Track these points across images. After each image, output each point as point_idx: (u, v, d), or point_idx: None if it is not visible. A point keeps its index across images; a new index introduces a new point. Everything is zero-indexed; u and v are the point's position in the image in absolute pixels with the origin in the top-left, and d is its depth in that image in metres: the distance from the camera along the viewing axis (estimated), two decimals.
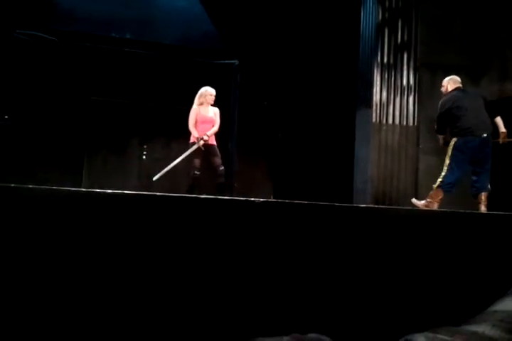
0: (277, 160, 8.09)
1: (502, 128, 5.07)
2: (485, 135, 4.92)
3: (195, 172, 5.87)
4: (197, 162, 5.88)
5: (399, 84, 6.60)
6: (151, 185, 6.50)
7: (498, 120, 5.09)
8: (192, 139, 5.94)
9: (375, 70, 6.57)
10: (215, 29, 7.89)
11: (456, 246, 1.90)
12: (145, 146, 8.30)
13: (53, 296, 1.47)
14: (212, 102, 6.01)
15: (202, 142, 5.82)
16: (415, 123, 6.53)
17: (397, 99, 6.57)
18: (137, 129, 8.17)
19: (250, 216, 1.75)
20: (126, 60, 8.03)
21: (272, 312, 1.62)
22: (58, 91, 7.70)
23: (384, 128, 6.50)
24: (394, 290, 1.78)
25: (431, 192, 5.11)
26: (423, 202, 5.16)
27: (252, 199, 1.80)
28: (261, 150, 8.08)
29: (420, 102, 6.53)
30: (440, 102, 5.21)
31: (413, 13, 6.71)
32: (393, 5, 6.70)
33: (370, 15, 6.76)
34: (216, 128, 5.97)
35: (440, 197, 5.01)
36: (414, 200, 5.38)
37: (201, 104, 5.98)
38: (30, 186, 1.61)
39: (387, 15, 6.67)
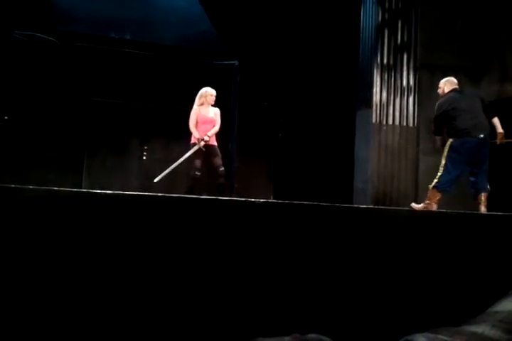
0: (277, 160, 8.09)
1: (499, 129, 5.08)
2: (481, 136, 4.93)
3: (196, 172, 5.86)
4: (197, 162, 5.87)
5: (399, 84, 6.61)
6: (151, 186, 6.50)
7: (496, 121, 5.10)
8: (193, 140, 5.93)
9: (375, 71, 6.57)
10: (214, 30, 7.90)
11: (456, 246, 1.90)
12: (145, 147, 8.30)
13: (53, 297, 1.47)
14: (213, 102, 6.01)
15: (203, 143, 5.82)
16: (415, 124, 6.54)
17: (397, 100, 6.58)
18: (137, 130, 8.18)
19: (250, 217, 1.75)
20: (126, 61, 8.03)
21: (272, 312, 1.62)
22: (57, 92, 7.70)
23: (384, 128, 6.50)
24: (394, 290, 1.78)
25: (428, 194, 5.13)
26: (422, 204, 5.18)
27: (252, 199, 1.80)
28: (261, 151, 8.08)
29: (420, 103, 6.54)
30: (437, 104, 5.24)
31: (413, 13, 6.72)
32: (393, 6, 6.70)
33: (370, 16, 6.77)
34: (217, 128, 5.96)
35: (438, 198, 5.02)
36: (413, 204, 5.39)
37: (202, 104, 5.98)
38: (31, 187, 1.61)
39: (387, 16, 6.68)
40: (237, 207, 1.81)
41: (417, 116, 6.52)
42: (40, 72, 7.57)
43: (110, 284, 1.53)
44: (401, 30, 6.69)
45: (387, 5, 6.69)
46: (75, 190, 1.82)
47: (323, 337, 0.62)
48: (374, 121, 6.49)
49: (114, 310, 1.51)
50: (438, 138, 5.32)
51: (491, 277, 1.79)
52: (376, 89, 6.55)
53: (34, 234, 1.51)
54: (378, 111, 6.53)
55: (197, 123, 5.94)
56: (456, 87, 5.27)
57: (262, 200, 1.80)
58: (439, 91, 5.35)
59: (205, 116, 5.95)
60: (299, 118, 7.95)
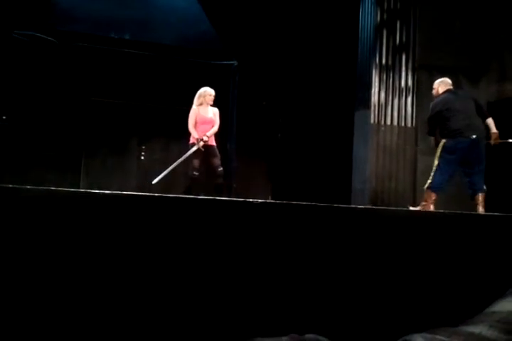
0: (276, 160, 8.09)
1: (493, 129, 5.11)
2: (474, 136, 4.95)
3: (194, 172, 5.85)
4: (196, 162, 5.86)
5: (397, 85, 6.61)
6: (149, 186, 6.50)
7: (490, 121, 5.13)
8: (192, 140, 5.92)
9: (374, 71, 6.58)
10: (214, 30, 7.90)
11: (454, 247, 1.91)
12: (144, 147, 8.29)
13: (52, 297, 1.47)
14: (212, 102, 6.00)
15: (202, 143, 5.81)
16: (413, 124, 6.54)
17: (396, 100, 6.58)
18: (136, 130, 8.17)
19: (249, 217, 1.75)
20: (125, 61, 8.02)
21: (270, 312, 1.62)
22: (56, 92, 7.70)
23: (382, 129, 6.51)
24: (392, 291, 1.78)
25: (424, 195, 5.16)
26: (419, 207, 5.20)
27: (251, 200, 1.80)
28: (260, 151, 8.08)
29: (418, 103, 6.54)
30: (431, 104, 5.28)
31: (411, 14, 6.72)
32: (392, 6, 6.71)
33: (368, 17, 6.77)
34: (216, 128, 5.95)
35: (434, 198, 5.04)
36: (411, 208, 5.40)
37: (200, 104, 5.98)
38: (29, 187, 1.61)
39: (385, 16, 6.68)
40: (235, 207, 1.81)
41: (416, 116, 6.53)
42: (40, 72, 7.57)
43: (109, 284, 1.53)
44: (399, 31, 6.70)
45: (385, 5, 6.69)
46: (73, 190, 1.82)
47: (320, 337, 0.62)
48: (372, 121, 6.50)
49: (113, 310, 1.51)
50: (432, 138, 5.36)
51: (489, 277, 1.79)
52: (374, 89, 6.56)
53: (32, 234, 1.51)
54: (377, 112, 6.53)
55: (196, 123, 5.93)
56: (451, 87, 5.30)
57: (260, 201, 1.80)
58: (434, 92, 5.39)
59: (204, 117, 5.94)
60: (297, 119, 7.96)
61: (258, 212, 1.77)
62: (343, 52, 7.30)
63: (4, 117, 7.53)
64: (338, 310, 1.69)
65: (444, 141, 5.06)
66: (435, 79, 5.52)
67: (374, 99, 6.54)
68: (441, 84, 5.31)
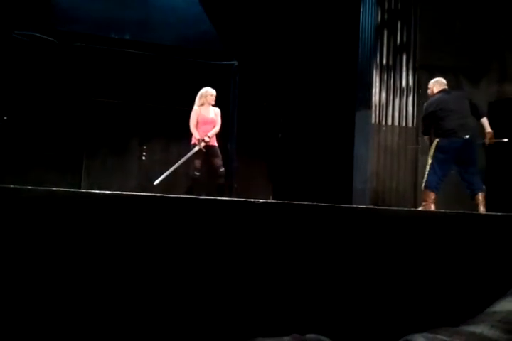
0: (277, 160, 8.09)
1: (488, 129, 5.13)
2: (467, 136, 4.97)
3: (195, 173, 5.85)
4: (197, 163, 5.86)
5: (398, 85, 6.61)
6: (150, 186, 6.49)
7: (484, 120, 5.16)
8: (193, 140, 5.92)
9: (374, 71, 6.58)
10: (214, 30, 7.90)
11: (455, 247, 1.90)
12: (144, 147, 8.29)
13: (52, 297, 1.47)
14: (213, 102, 6.00)
15: (203, 144, 5.80)
16: (414, 124, 6.54)
17: (397, 100, 6.58)
18: (137, 130, 8.17)
19: (250, 217, 1.75)
20: (126, 61, 8.02)
21: (271, 312, 1.62)
22: (57, 92, 7.70)
23: (383, 129, 6.51)
24: (393, 291, 1.78)
25: (423, 196, 5.17)
26: (420, 207, 5.21)
27: (252, 200, 1.80)
28: (260, 151, 8.08)
29: (419, 103, 6.54)
30: (425, 104, 5.33)
31: (412, 14, 6.72)
32: (392, 6, 6.71)
33: (369, 17, 6.77)
34: (217, 129, 5.95)
35: (433, 198, 5.05)
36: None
37: (202, 104, 5.97)
38: (30, 187, 1.61)
39: (386, 16, 6.68)
40: (236, 207, 1.81)
41: (416, 116, 6.53)
42: (40, 72, 7.57)
43: (109, 284, 1.53)
44: (400, 31, 6.70)
45: (386, 5, 6.69)
46: (74, 190, 1.82)
47: (322, 337, 0.62)
48: (373, 121, 6.50)
49: (113, 311, 1.51)
50: (426, 137, 5.40)
51: (490, 277, 1.79)
52: (375, 89, 6.56)
53: (33, 235, 1.51)
54: (377, 112, 6.53)
55: (197, 123, 5.92)
56: (445, 87, 5.32)
57: (261, 201, 1.80)
58: (429, 91, 5.43)
59: (205, 117, 5.94)
60: (298, 119, 7.96)
61: (259, 212, 1.77)
62: (343, 52, 7.30)
63: (5, 117, 7.54)
64: (339, 310, 1.69)
65: (437, 140, 5.09)
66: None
67: (375, 99, 6.54)
68: (436, 84, 5.34)
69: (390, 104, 6.56)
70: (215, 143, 5.95)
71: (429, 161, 5.09)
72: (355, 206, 2.70)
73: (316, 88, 7.75)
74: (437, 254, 1.86)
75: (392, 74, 6.62)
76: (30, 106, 7.56)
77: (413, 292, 1.79)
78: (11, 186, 1.57)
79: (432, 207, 5.02)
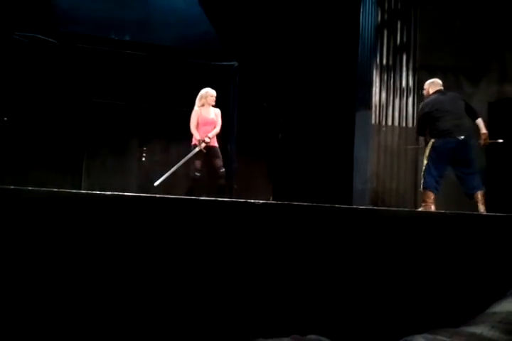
0: (277, 161, 8.09)
1: (483, 130, 5.15)
2: (462, 137, 4.98)
3: (196, 173, 5.85)
4: (198, 163, 5.86)
5: (398, 85, 6.61)
6: (150, 187, 6.49)
7: (479, 121, 5.17)
8: (194, 141, 5.91)
9: (374, 72, 6.58)
10: (214, 31, 7.90)
11: (455, 247, 1.90)
12: (145, 148, 8.30)
13: (53, 298, 1.47)
14: (214, 103, 6.00)
15: (203, 144, 5.80)
16: (414, 125, 6.53)
17: (397, 101, 6.58)
18: (137, 131, 8.17)
19: (250, 218, 1.75)
20: (126, 62, 8.03)
21: (272, 313, 1.62)
22: (57, 93, 7.70)
23: (383, 129, 6.51)
24: (393, 291, 1.78)
25: (423, 196, 5.18)
26: (420, 208, 5.21)
27: (252, 200, 1.80)
28: (260, 152, 8.08)
29: (419, 104, 6.54)
30: (421, 105, 5.36)
31: (412, 14, 6.72)
32: (392, 6, 6.71)
33: (369, 17, 6.77)
34: (218, 129, 5.95)
35: (432, 198, 5.06)
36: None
37: (202, 105, 5.97)
38: (30, 188, 1.61)
39: (386, 16, 6.68)
40: (236, 208, 1.81)
41: (416, 117, 6.52)
42: (41, 74, 7.57)
43: (110, 285, 1.53)
44: (400, 31, 6.70)
45: (386, 5, 6.69)
46: (75, 191, 1.82)
47: (322, 338, 0.62)
48: (373, 121, 6.50)
49: (113, 311, 1.51)
50: (421, 138, 5.41)
51: (490, 278, 1.79)
52: (375, 89, 6.56)
53: (34, 236, 1.51)
54: (377, 112, 6.53)
55: (198, 124, 5.92)
56: (441, 88, 5.34)
57: (261, 201, 1.80)
58: (424, 92, 5.46)
59: (206, 118, 5.94)
60: (298, 119, 7.96)
61: (259, 213, 1.77)
62: (343, 52, 7.30)
63: (6, 118, 7.54)
64: (339, 311, 1.69)
65: (432, 140, 5.11)
66: None
67: (375, 99, 6.54)
68: (432, 85, 5.36)
69: (390, 104, 6.56)
70: (216, 144, 5.95)
71: (425, 162, 5.12)
72: (355, 207, 2.70)
73: (316, 88, 7.75)
74: (437, 255, 1.86)
75: (392, 75, 6.62)
76: (30, 107, 7.57)
77: (413, 293, 1.79)
78: (12, 187, 1.57)
79: (432, 208, 5.02)
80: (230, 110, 8.01)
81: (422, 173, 5.14)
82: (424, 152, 5.23)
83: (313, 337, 0.62)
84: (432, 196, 5.05)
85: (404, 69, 6.64)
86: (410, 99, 6.60)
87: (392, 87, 6.59)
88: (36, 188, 1.63)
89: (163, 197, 1.77)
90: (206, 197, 4.83)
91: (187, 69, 8.16)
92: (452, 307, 1.71)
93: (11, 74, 7.31)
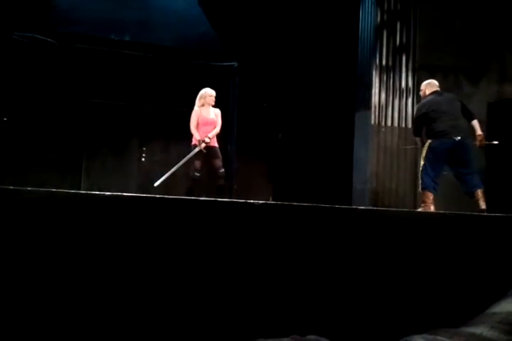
0: (277, 161, 8.09)
1: (478, 131, 5.17)
2: (458, 138, 4.99)
3: (195, 173, 5.84)
4: (197, 163, 5.85)
5: (397, 86, 6.61)
6: (150, 187, 6.49)
7: (475, 123, 5.19)
8: (194, 141, 5.91)
9: (374, 72, 6.58)
10: (214, 31, 7.90)
11: (455, 247, 1.90)
12: (144, 148, 8.30)
13: (53, 298, 1.47)
14: (213, 103, 6.00)
15: (203, 145, 5.79)
16: None
17: (396, 101, 6.58)
18: (136, 131, 8.17)
19: (249, 218, 1.75)
20: (125, 62, 8.03)
21: (272, 314, 1.62)
22: (57, 94, 7.70)
23: (383, 129, 6.51)
24: (393, 292, 1.78)
25: (422, 197, 5.19)
26: (419, 209, 5.22)
27: (251, 201, 1.80)
28: (260, 152, 8.08)
29: None
30: (417, 106, 5.37)
31: (412, 14, 6.72)
32: (392, 7, 6.70)
33: (368, 17, 6.77)
34: (218, 129, 5.94)
35: (431, 198, 5.07)
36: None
37: (202, 105, 5.97)
38: (29, 188, 1.61)
39: (385, 17, 6.68)
40: (236, 208, 1.81)
41: None
42: (40, 74, 7.57)
43: (110, 285, 1.53)
44: (400, 31, 6.70)
45: (386, 6, 6.69)
46: (74, 191, 1.82)
47: (322, 339, 0.62)
48: (373, 122, 6.50)
49: (113, 311, 1.51)
50: (417, 139, 5.43)
51: (490, 278, 1.79)
52: (375, 90, 6.56)
53: (33, 236, 1.51)
54: (377, 113, 6.53)
55: (198, 124, 5.92)
56: (437, 89, 5.36)
57: (261, 202, 1.80)
58: (421, 93, 5.48)
59: (206, 118, 5.93)
60: (298, 120, 7.96)
61: (259, 213, 1.77)
62: (343, 53, 7.30)
63: (5, 119, 7.54)
64: (339, 312, 1.69)
65: (429, 141, 5.13)
66: (436, 80, 5.54)
67: (374, 99, 6.54)
68: (428, 86, 5.37)
69: (390, 104, 6.56)
70: (216, 144, 5.94)
71: (422, 162, 5.14)
72: (354, 207, 2.70)
73: (316, 89, 7.75)
74: (437, 255, 1.86)
75: (391, 75, 6.62)
76: (30, 108, 7.57)
77: (413, 293, 1.79)
78: (11, 187, 1.57)
79: (432, 208, 5.02)
80: (229, 110, 8.01)
81: (420, 174, 5.16)
82: (421, 153, 5.24)
83: (312, 337, 0.62)
84: (431, 196, 5.06)
85: (403, 69, 6.65)
86: (410, 100, 6.60)
87: (391, 88, 6.60)
88: (35, 188, 1.63)
89: (162, 198, 1.77)
90: (206, 197, 4.83)
91: (187, 70, 8.16)
92: (452, 307, 1.71)
93: (10, 75, 7.30)
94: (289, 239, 1.74)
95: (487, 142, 5.25)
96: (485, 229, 2.01)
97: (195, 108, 5.97)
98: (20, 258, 1.49)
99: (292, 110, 8.03)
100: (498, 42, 6.84)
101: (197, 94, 6.04)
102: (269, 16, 7.67)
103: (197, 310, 1.57)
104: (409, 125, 6.54)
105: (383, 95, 6.56)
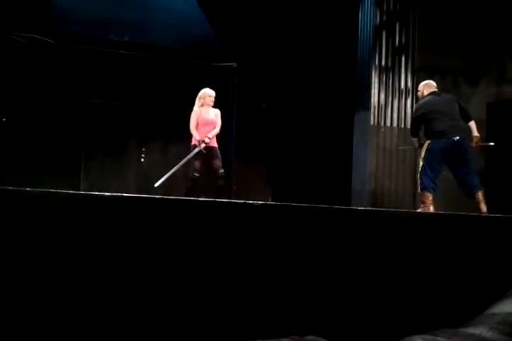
0: (276, 162, 8.09)
1: (475, 133, 5.18)
2: (457, 138, 5.00)
3: (195, 174, 5.84)
4: (197, 164, 5.85)
5: (397, 86, 6.62)
6: (149, 188, 6.49)
7: (472, 124, 5.21)
8: (193, 142, 5.91)
9: (373, 73, 6.58)
10: (213, 31, 7.90)
11: (454, 248, 1.90)
12: (143, 149, 8.29)
13: (52, 298, 1.47)
14: (212, 103, 6.00)
15: (203, 145, 5.79)
16: None
17: (395, 102, 6.59)
18: (135, 132, 8.17)
19: (249, 219, 1.75)
20: (124, 63, 8.02)
21: (271, 314, 1.62)
22: (56, 94, 7.69)
23: (382, 130, 6.51)
24: (392, 292, 1.78)
25: (421, 198, 5.19)
26: (419, 209, 5.22)
27: (251, 201, 1.80)
28: (259, 153, 8.08)
29: None
30: (415, 106, 5.38)
31: (411, 15, 6.73)
32: (391, 8, 6.71)
33: (368, 18, 6.78)
34: (217, 130, 5.95)
35: (431, 198, 5.07)
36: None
37: (202, 105, 5.97)
38: (28, 189, 1.61)
39: (385, 18, 6.69)
40: (235, 209, 1.81)
41: None
42: (39, 74, 7.56)
43: (109, 286, 1.53)
44: (399, 32, 6.70)
45: (385, 7, 6.70)
46: (73, 192, 1.82)
47: (321, 339, 0.62)
48: (372, 122, 6.51)
49: (113, 311, 1.51)
50: (414, 139, 5.44)
51: (489, 279, 1.79)
52: (374, 91, 6.56)
53: (32, 236, 1.51)
54: (376, 113, 6.54)
55: (197, 124, 5.92)
56: (435, 89, 5.36)
57: (260, 202, 1.80)
58: (419, 94, 5.49)
59: (205, 118, 5.93)
60: (297, 120, 7.96)
61: (258, 214, 1.77)
62: (342, 53, 7.30)
63: (4, 119, 7.53)
64: (338, 312, 1.69)
65: (428, 142, 5.13)
66: (434, 81, 5.54)
67: (374, 100, 6.54)
68: (426, 87, 5.38)
69: (389, 105, 6.57)
70: (215, 145, 5.94)
71: (421, 163, 5.15)
72: (353, 208, 2.70)
73: (315, 89, 7.76)
74: (436, 256, 1.86)
75: (390, 76, 6.62)
76: (28, 108, 7.56)
77: (412, 294, 1.79)
78: (10, 188, 1.57)
79: (431, 209, 5.02)
80: (229, 111, 8.01)
81: (419, 175, 5.16)
82: (419, 153, 5.24)
83: (311, 338, 0.62)
84: (430, 197, 5.07)
85: (402, 70, 6.65)
86: (409, 100, 6.61)
87: (390, 88, 6.60)
88: (34, 189, 1.63)
89: (161, 198, 1.77)
90: (205, 197, 4.83)
91: (186, 70, 8.16)
92: (451, 308, 1.71)
93: (9, 75, 7.30)
94: (288, 240, 1.74)
95: (483, 143, 5.26)
96: (484, 230, 2.01)
97: (195, 108, 5.97)
98: (19, 259, 1.48)
99: (291, 111, 8.03)
100: (497, 43, 6.84)
101: (196, 94, 6.04)
102: (269, 17, 7.68)
103: (197, 310, 1.57)
104: (409, 125, 6.55)
105: (382, 96, 6.57)
